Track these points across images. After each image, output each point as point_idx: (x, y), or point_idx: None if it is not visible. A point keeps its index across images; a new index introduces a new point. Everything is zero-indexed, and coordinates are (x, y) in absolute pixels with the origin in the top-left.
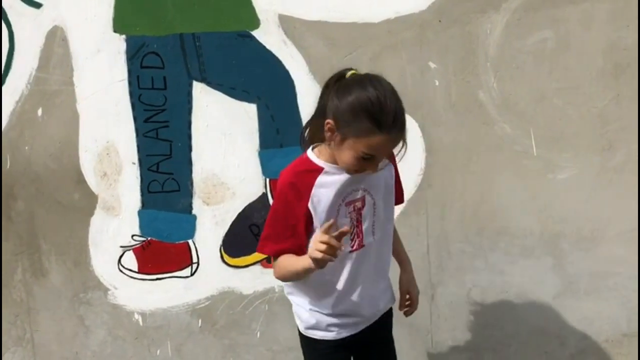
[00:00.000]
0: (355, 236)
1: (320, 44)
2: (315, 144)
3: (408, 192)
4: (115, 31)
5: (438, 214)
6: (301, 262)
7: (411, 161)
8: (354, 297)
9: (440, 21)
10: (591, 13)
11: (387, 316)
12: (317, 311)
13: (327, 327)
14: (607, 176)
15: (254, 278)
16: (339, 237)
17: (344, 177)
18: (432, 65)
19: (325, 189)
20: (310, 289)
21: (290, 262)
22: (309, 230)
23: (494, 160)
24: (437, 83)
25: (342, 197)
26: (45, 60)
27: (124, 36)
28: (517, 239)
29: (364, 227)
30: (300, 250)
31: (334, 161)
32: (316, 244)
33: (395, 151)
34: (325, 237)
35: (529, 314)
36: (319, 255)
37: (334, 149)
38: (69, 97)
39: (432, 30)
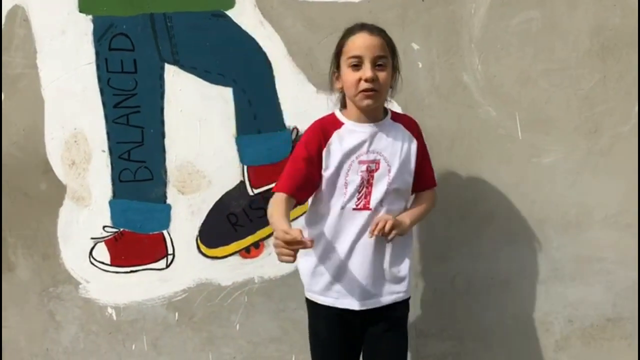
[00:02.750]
0: (363, 196)
1: (299, 25)
2: (342, 108)
3: None
4: (81, 11)
5: None
6: (276, 225)
7: None
8: (351, 264)
9: (423, 1)
10: None
11: (400, 313)
12: (315, 269)
13: (323, 291)
14: (592, 160)
15: (233, 269)
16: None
17: (361, 134)
18: (415, 46)
19: (341, 142)
20: (316, 245)
21: (276, 213)
22: (315, 176)
23: (478, 144)
24: (420, 65)
25: (356, 154)
26: (6, 42)
27: (90, 16)
28: (501, 225)
29: (373, 190)
30: (297, 190)
31: (356, 119)
32: (278, 239)
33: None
34: (286, 237)
35: (513, 300)
36: (275, 249)
37: (346, 92)
38: (32, 81)
39: (415, 10)
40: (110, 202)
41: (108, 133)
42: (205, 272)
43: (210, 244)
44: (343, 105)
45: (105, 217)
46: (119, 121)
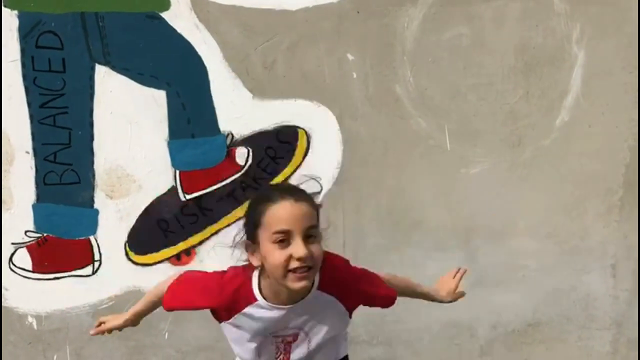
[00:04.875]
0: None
1: (236, 30)
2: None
3: (325, 187)
4: (6, 6)
5: (354, 208)
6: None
7: (328, 154)
8: None
9: (358, 12)
10: (504, 11)
11: None
12: None
13: None
14: (516, 171)
15: (163, 276)
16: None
17: (278, 314)
18: (350, 57)
19: (252, 321)
20: None
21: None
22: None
23: (409, 154)
24: (354, 75)
25: (271, 330)
26: None
27: (16, 12)
28: (430, 233)
29: (292, 356)
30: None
31: (273, 297)
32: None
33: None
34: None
35: (441, 307)
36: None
37: (269, 271)
38: None
39: (350, 22)
40: (34, 206)
41: (33, 134)
42: (133, 279)
43: (140, 251)
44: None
45: (27, 221)
46: (45, 122)
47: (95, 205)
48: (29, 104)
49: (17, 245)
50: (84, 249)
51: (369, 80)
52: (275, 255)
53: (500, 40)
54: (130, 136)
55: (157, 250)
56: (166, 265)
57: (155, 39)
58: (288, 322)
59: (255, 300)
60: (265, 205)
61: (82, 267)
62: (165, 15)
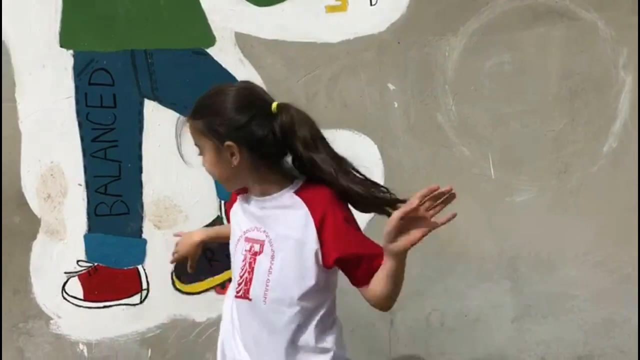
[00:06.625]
0: (244, 282)
1: (279, 64)
2: None
3: (367, 215)
4: (62, 46)
5: None
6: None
7: None
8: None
9: (399, 43)
10: (546, 38)
11: None
12: None
13: None
14: (563, 199)
15: (208, 305)
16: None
17: (251, 206)
18: (391, 86)
19: (236, 212)
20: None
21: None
22: None
23: (452, 182)
24: (396, 105)
25: (245, 227)
26: None
27: (71, 51)
28: (475, 263)
29: (254, 277)
30: None
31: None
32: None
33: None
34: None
35: (487, 337)
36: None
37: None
38: (10, 114)
39: (391, 52)
40: (85, 236)
41: (85, 167)
42: (179, 308)
43: (186, 280)
44: None
45: (79, 251)
46: (96, 155)
47: (144, 235)
48: (82, 139)
49: (70, 274)
50: (133, 278)
51: (411, 109)
52: None
53: (544, 67)
54: (178, 168)
55: (203, 279)
56: (212, 294)
57: (202, 74)
58: (257, 218)
59: (247, 190)
60: None
61: (131, 296)
62: (210, 50)
